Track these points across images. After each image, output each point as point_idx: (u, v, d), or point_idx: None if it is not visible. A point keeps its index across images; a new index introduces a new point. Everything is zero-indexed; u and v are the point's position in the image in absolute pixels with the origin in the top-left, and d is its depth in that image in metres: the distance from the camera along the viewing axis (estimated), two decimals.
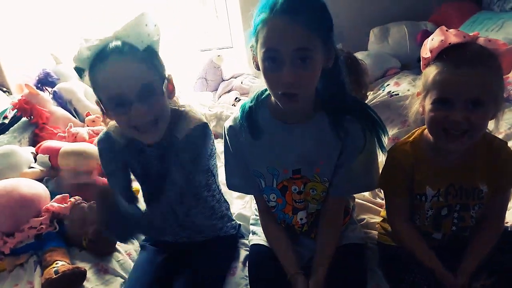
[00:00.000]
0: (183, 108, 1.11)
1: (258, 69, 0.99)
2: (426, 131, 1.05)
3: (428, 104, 0.97)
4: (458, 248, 1.05)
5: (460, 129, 0.93)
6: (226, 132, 1.15)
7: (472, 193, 1.04)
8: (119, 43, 0.96)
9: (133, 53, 0.96)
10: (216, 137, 2.27)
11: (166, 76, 1.06)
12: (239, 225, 1.39)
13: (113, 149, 1.13)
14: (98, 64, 0.96)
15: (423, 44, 1.02)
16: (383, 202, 1.49)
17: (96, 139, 1.32)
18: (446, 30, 0.97)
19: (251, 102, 1.11)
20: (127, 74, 0.95)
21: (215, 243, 1.26)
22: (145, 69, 0.98)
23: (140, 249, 1.34)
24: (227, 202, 1.33)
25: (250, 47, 1.01)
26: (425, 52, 1.00)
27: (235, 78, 2.98)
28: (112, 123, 1.13)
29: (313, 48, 0.91)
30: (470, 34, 0.96)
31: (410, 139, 1.08)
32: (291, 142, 1.07)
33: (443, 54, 0.95)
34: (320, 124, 1.05)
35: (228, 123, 1.14)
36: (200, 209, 1.21)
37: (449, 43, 0.95)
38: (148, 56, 0.99)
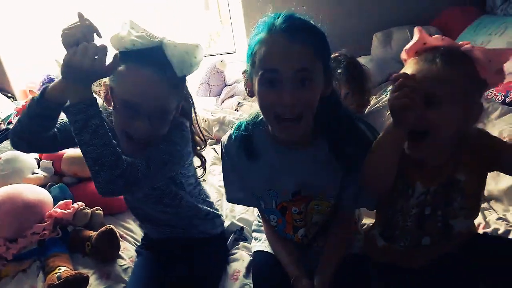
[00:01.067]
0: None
1: (251, 96, 0.95)
2: None
3: None
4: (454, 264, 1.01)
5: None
6: (223, 149, 1.12)
7: (451, 186, 0.97)
8: (162, 57, 0.96)
9: (169, 76, 0.97)
10: (218, 141, 2.28)
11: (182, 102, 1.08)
12: (242, 227, 1.39)
13: None
14: (133, 61, 0.95)
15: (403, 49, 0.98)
16: None
17: None
18: (420, 30, 0.92)
19: (247, 123, 1.07)
20: (152, 90, 0.96)
21: (203, 244, 1.26)
22: (171, 95, 1.00)
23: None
24: (208, 201, 1.33)
25: (243, 72, 0.98)
26: (403, 54, 0.97)
27: (238, 83, 2.98)
28: None
29: (314, 70, 0.87)
30: (461, 42, 0.90)
31: None
32: (290, 167, 1.04)
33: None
34: (319, 150, 1.02)
35: (225, 141, 1.12)
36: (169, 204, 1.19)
37: (424, 43, 0.91)
38: (179, 83, 1.02)
